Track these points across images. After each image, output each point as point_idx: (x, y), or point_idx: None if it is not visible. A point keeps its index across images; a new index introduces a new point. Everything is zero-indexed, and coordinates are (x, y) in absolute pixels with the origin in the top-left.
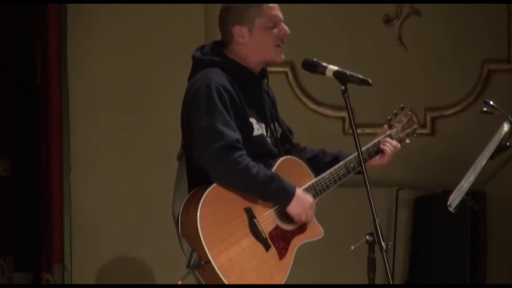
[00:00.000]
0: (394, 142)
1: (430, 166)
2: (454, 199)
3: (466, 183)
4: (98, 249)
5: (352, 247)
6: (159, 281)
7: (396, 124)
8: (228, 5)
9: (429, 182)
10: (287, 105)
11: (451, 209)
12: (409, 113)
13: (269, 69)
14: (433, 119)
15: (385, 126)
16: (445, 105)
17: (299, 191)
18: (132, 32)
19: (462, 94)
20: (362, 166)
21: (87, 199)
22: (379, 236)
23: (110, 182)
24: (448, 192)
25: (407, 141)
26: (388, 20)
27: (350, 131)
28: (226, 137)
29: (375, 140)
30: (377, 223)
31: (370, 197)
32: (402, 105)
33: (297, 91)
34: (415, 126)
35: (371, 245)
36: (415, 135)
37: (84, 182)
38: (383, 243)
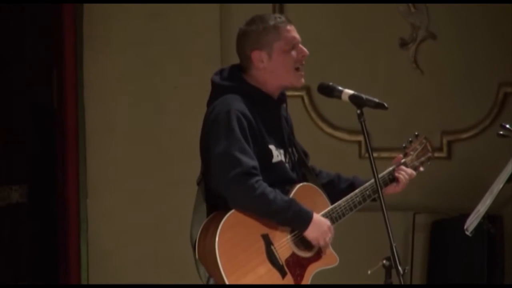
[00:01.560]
0: (409, 170)
1: (446, 190)
2: (471, 223)
3: (483, 207)
4: (115, 276)
5: (369, 272)
6: None
7: (411, 152)
8: (245, 30)
9: (446, 206)
10: (303, 129)
11: (468, 233)
12: (424, 141)
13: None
14: (450, 143)
15: (400, 155)
16: (461, 129)
17: (316, 216)
18: (147, 55)
19: (478, 117)
20: (378, 190)
21: (104, 225)
22: (396, 261)
23: (127, 207)
24: (465, 216)
25: (421, 169)
26: (403, 44)
27: (367, 155)
28: (243, 164)
29: (390, 168)
30: (394, 247)
31: (387, 221)
32: (416, 133)
33: (313, 115)
34: (429, 154)
35: (388, 270)
36: (429, 163)
37: (101, 208)
38: (400, 268)
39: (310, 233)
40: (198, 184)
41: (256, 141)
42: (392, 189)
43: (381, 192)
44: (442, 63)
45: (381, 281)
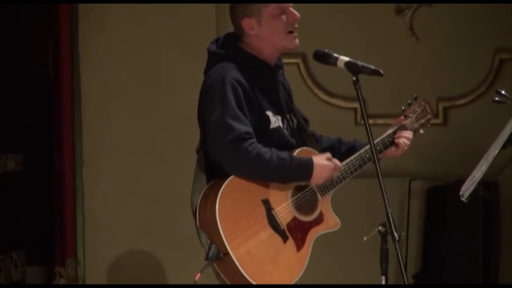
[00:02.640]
0: (409, 134)
1: (442, 156)
2: (467, 189)
3: (478, 173)
4: (111, 243)
5: (365, 238)
6: (172, 275)
7: (411, 115)
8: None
9: (442, 172)
10: (299, 96)
11: (463, 199)
12: (423, 103)
13: None
14: (445, 109)
15: (401, 116)
16: (457, 95)
17: (316, 160)
18: (143, 27)
19: (474, 84)
20: (374, 157)
21: (100, 193)
22: (391, 227)
23: (122, 176)
24: (461, 182)
25: (421, 131)
26: (399, 11)
27: (362, 122)
28: (236, 130)
29: (390, 131)
30: (389, 213)
31: (383, 187)
32: (415, 95)
33: (309, 82)
34: (429, 116)
35: (383, 236)
36: (429, 125)
37: (96, 177)
38: (395, 234)
39: (317, 179)
40: (198, 152)
41: (253, 108)
42: (391, 152)
43: (377, 158)
44: (438, 29)
45: (377, 247)
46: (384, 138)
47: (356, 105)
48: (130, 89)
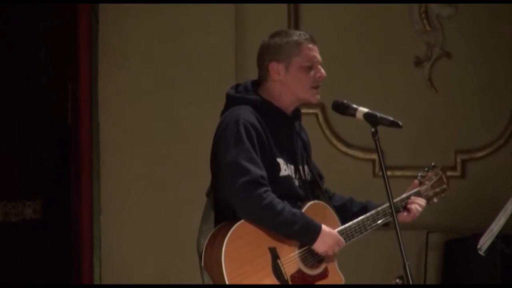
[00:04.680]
0: (422, 201)
1: (460, 209)
2: (484, 242)
3: (496, 226)
4: None
5: None
6: None
7: (426, 182)
8: (267, 41)
9: (459, 225)
10: (317, 146)
11: (481, 252)
12: (440, 172)
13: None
14: (463, 162)
15: (416, 180)
16: (475, 148)
17: (324, 228)
18: (162, 73)
19: (492, 136)
20: (392, 208)
21: (118, 241)
22: (409, 279)
23: (140, 224)
24: (479, 235)
25: (435, 200)
26: (418, 62)
27: (380, 173)
28: (251, 172)
29: (404, 195)
30: (407, 266)
31: (400, 240)
32: (433, 163)
33: (327, 132)
34: (444, 186)
35: None
36: (443, 195)
37: (114, 225)
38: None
39: (319, 247)
40: (207, 195)
41: (264, 152)
42: (402, 217)
43: (395, 212)
44: (457, 81)
45: None
46: (397, 202)
47: (374, 156)
48: (148, 137)
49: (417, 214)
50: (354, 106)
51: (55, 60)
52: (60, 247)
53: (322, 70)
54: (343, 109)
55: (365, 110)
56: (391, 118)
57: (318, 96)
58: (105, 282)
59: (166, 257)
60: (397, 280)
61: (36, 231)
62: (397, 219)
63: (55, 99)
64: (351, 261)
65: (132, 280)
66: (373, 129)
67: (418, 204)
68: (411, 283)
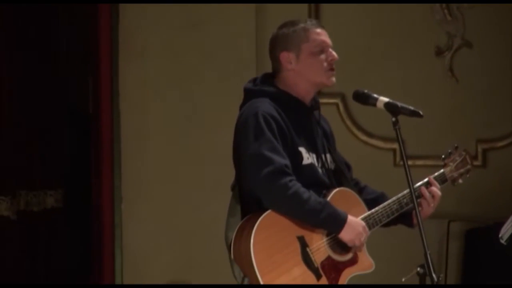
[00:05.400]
0: (436, 194)
1: (481, 198)
2: (506, 231)
3: None
4: (150, 280)
5: (403, 279)
6: None
7: (450, 163)
8: (276, 33)
9: (481, 214)
10: (337, 136)
11: (502, 241)
12: (463, 153)
13: (320, 100)
14: (485, 151)
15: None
16: (496, 137)
17: (350, 218)
18: (182, 64)
19: None
20: (413, 197)
21: (138, 230)
22: (430, 268)
23: (161, 213)
24: (500, 224)
25: (460, 181)
26: (439, 52)
27: (401, 163)
28: (275, 162)
29: (426, 180)
30: (428, 255)
31: (422, 229)
32: (456, 145)
33: (348, 122)
34: (469, 166)
35: (422, 277)
36: (468, 175)
37: (135, 213)
38: (434, 275)
39: (345, 235)
40: (232, 189)
41: (286, 142)
42: (425, 206)
43: (416, 200)
44: (477, 71)
45: None
46: (418, 187)
47: (395, 146)
48: (169, 126)
49: (430, 210)
50: (375, 95)
51: (76, 52)
52: (81, 236)
53: (334, 53)
54: (364, 99)
55: (386, 99)
56: (412, 108)
57: (334, 79)
58: (126, 271)
59: (186, 246)
60: (418, 269)
61: (57, 220)
62: (418, 207)
63: (76, 89)
64: (372, 250)
65: (153, 269)
66: (393, 119)
67: (433, 191)
68: (432, 272)
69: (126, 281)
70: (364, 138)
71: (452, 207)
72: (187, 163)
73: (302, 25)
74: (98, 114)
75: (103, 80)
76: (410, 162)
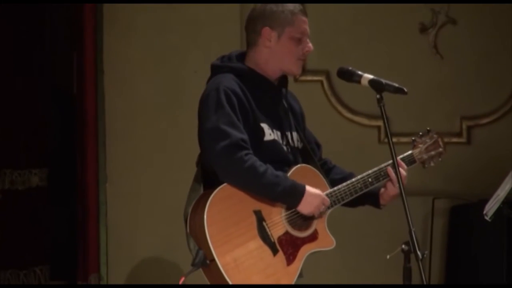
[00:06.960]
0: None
1: (466, 175)
2: (490, 208)
3: (502, 192)
4: (134, 259)
5: (388, 256)
6: None
7: (420, 145)
8: (261, 6)
9: (465, 191)
10: (322, 114)
11: (487, 218)
12: (435, 136)
13: (304, 77)
14: (469, 128)
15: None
16: (481, 114)
17: (309, 189)
18: (167, 42)
19: (498, 102)
20: (397, 174)
21: (123, 208)
22: (415, 245)
23: (146, 191)
24: (484, 201)
25: (432, 164)
26: (423, 29)
27: (386, 140)
28: (232, 136)
29: (391, 161)
30: (412, 232)
31: (406, 206)
32: (428, 128)
33: (333, 99)
34: (441, 149)
35: (407, 254)
36: (440, 159)
37: (120, 192)
38: (419, 252)
39: (303, 208)
40: (197, 165)
41: (247, 117)
42: (389, 187)
43: (400, 177)
44: (462, 48)
45: (400, 266)
46: (381, 168)
47: (379, 123)
48: (154, 105)
49: (391, 195)
50: (359, 72)
51: (60, 28)
52: (66, 215)
53: (310, 44)
54: (348, 76)
55: (370, 76)
56: (396, 85)
57: (301, 69)
58: (111, 249)
59: (170, 224)
60: (403, 246)
61: (42, 199)
62: (402, 185)
63: (60, 68)
64: (356, 228)
65: (137, 247)
66: (378, 96)
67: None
68: (417, 249)
69: (111, 259)
70: (349, 115)
71: (436, 185)
72: (172, 142)
73: (291, 7)
74: (82, 93)
75: (88, 58)
76: (394, 139)
